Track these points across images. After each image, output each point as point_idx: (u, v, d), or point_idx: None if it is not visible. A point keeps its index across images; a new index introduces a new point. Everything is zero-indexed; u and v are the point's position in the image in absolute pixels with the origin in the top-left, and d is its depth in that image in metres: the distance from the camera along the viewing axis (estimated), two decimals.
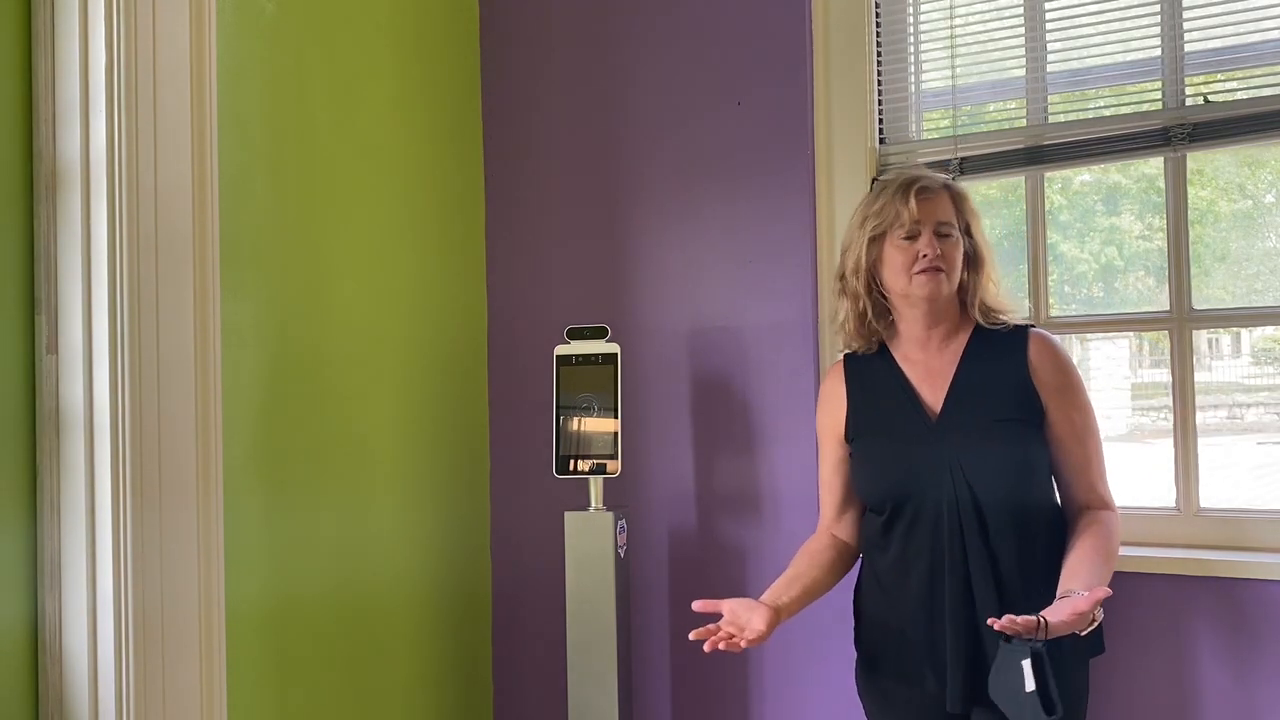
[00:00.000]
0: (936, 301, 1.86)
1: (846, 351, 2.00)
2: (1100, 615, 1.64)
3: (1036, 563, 1.79)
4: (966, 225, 1.89)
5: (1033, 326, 1.91)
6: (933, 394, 1.87)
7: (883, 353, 1.95)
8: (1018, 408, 1.82)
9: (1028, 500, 1.81)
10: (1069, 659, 1.80)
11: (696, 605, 1.80)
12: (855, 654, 1.99)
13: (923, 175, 1.91)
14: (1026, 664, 1.55)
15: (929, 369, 1.89)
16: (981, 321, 1.89)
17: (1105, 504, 1.83)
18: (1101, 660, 1.91)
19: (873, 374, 1.95)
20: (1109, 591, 1.61)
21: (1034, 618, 1.56)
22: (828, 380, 2.03)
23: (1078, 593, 1.63)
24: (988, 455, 1.80)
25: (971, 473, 1.79)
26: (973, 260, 1.90)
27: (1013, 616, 1.56)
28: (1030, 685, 1.55)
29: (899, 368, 1.92)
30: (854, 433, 1.95)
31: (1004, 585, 1.77)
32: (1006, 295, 1.93)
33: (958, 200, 1.90)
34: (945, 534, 1.80)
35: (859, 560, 1.99)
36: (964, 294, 1.91)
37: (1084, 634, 1.63)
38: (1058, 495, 1.88)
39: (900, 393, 1.90)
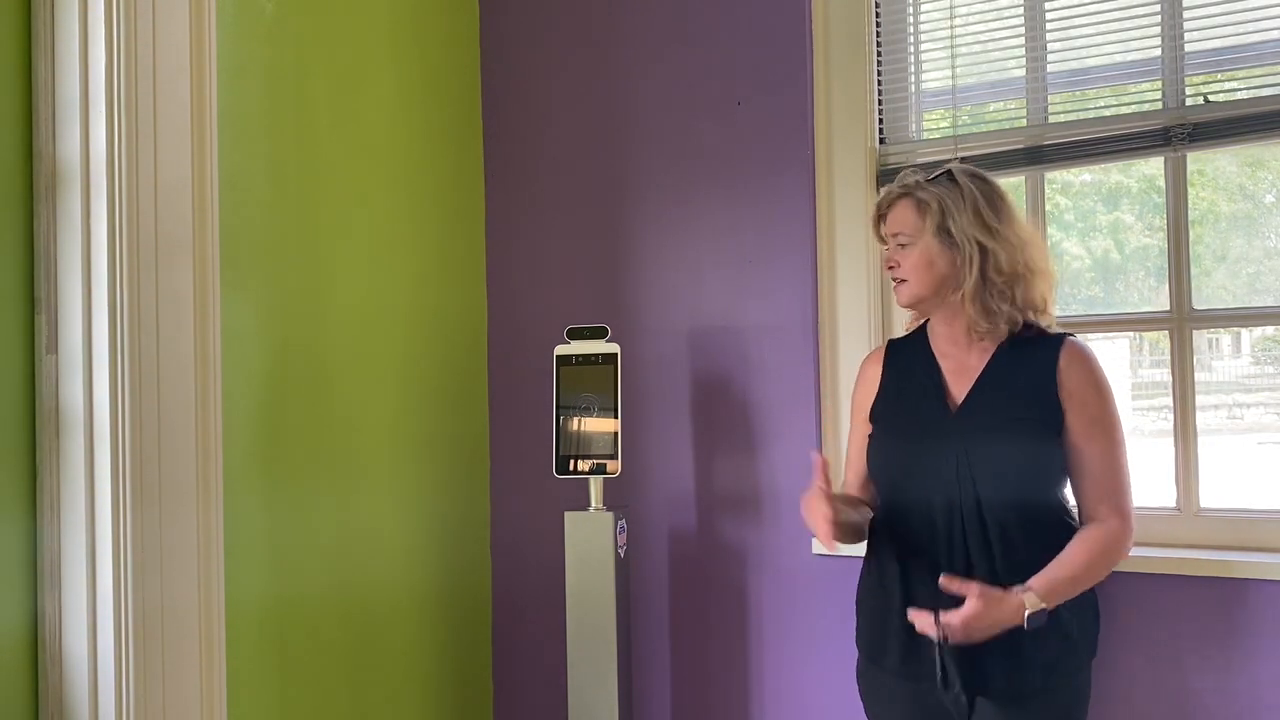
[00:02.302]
0: (915, 308, 1.93)
1: (891, 338, 2.07)
2: (1030, 616, 1.69)
3: (1036, 563, 1.79)
4: (940, 226, 1.85)
5: (1071, 335, 1.88)
6: (959, 387, 1.89)
7: (924, 344, 1.97)
8: (1037, 409, 1.82)
9: (1031, 500, 1.81)
10: (1069, 662, 1.80)
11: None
12: (856, 652, 1.99)
13: (886, 191, 1.95)
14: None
15: (961, 364, 1.91)
16: (1011, 328, 1.85)
17: (1117, 514, 1.81)
18: (1102, 660, 1.91)
19: (910, 361, 1.98)
20: (977, 609, 1.67)
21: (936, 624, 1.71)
22: (868, 361, 2.07)
23: (1031, 593, 1.71)
24: (996, 451, 1.81)
25: (977, 468, 1.80)
26: (968, 259, 1.84)
27: (930, 618, 1.71)
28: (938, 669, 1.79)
29: (934, 360, 1.94)
30: (875, 415, 1.98)
31: (1001, 582, 1.77)
32: (1031, 297, 1.87)
33: (921, 206, 1.87)
34: (946, 528, 1.81)
35: (862, 560, 2.00)
36: (978, 297, 1.86)
37: (1028, 629, 1.70)
38: (1074, 502, 1.87)
39: (929, 383, 1.92)
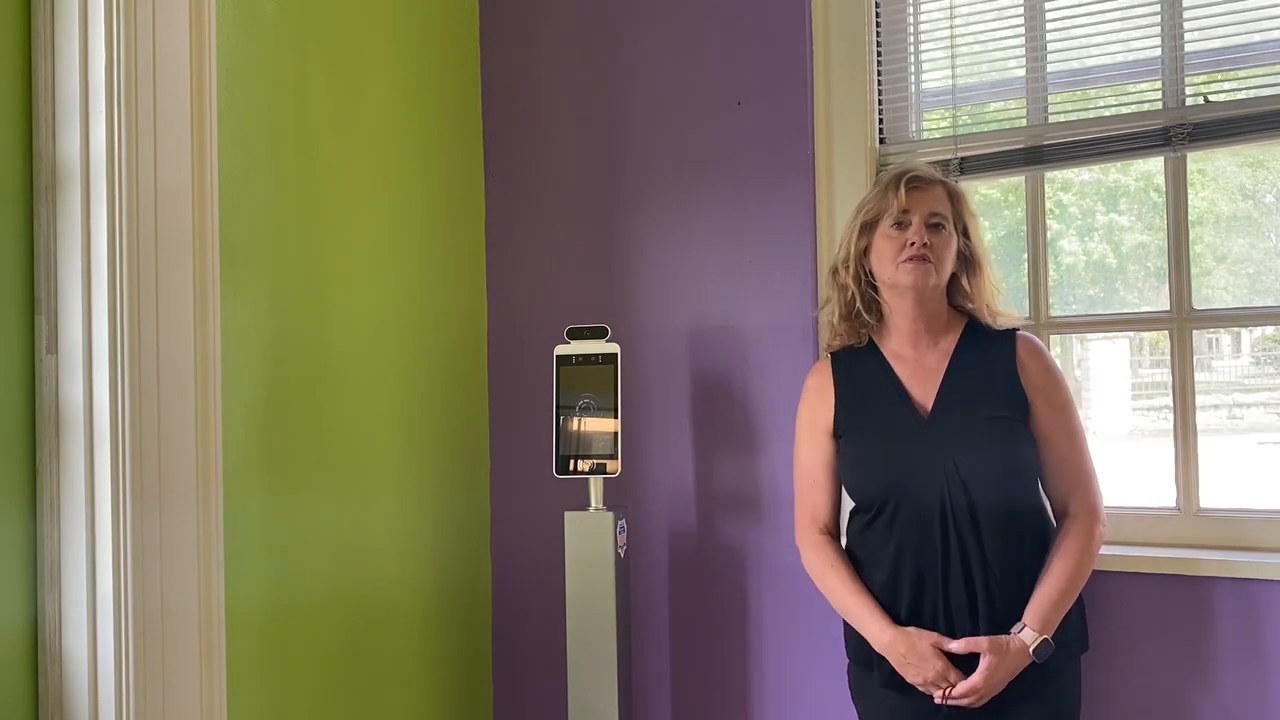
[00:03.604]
0: (922, 292, 1.86)
1: (831, 349, 2.01)
2: (1035, 650, 1.73)
3: (1025, 562, 1.80)
4: (964, 226, 1.91)
5: (1018, 329, 1.93)
6: (923, 392, 1.88)
7: (872, 350, 1.95)
8: (1008, 405, 1.83)
9: (1019, 499, 1.82)
10: (1058, 656, 1.80)
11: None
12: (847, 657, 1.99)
13: (918, 167, 1.94)
14: None
15: (919, 366, 1.89)
16: (990, 322, 1.91)
17: (1087, 505, 1.84)
18: (1100, 660, 1.91)
19: (861, 371, 1.94)
20: (993, 665, 1.72)
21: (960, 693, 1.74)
22: (813, 377, 2.02)
23: (1027, 630, 1.74)
24: (981, 453, 1.80)
25: (966, 471, 1.80)
26: (969, 262, 1.92)
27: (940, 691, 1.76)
28: None
29: (889, 365, 1.92)
30: (842, 429, 1.94)
31: (994, 583, 1.78)
32: (1005, 300, 1.97)
33: (954, 197, 1.91)
34: (937, 533, 1.80)
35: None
36: (962, 295, 1.93)
37: (1040, 660, 1.74)
38: (1044, 494, 1.89)
39: (890, 390, 1.90)
